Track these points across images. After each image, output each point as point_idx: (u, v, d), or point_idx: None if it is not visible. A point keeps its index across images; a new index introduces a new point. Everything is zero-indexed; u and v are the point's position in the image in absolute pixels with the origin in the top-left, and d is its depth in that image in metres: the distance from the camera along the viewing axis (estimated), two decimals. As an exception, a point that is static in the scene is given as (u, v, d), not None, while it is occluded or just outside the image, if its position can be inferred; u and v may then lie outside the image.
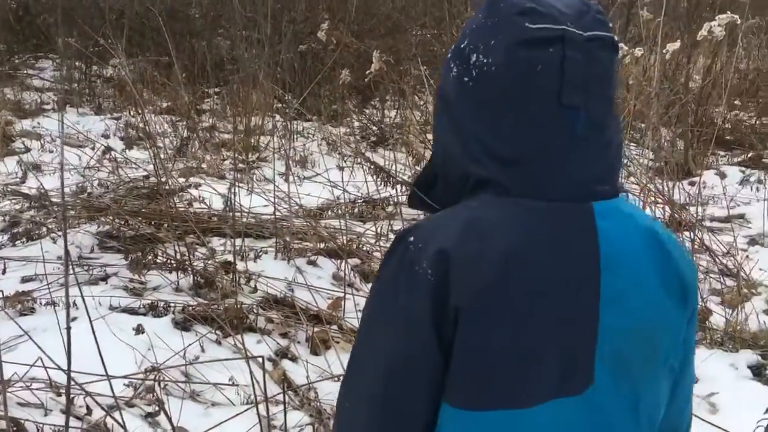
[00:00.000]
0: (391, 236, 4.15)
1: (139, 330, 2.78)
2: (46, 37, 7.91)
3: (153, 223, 3.82)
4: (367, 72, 4.83)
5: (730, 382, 2.88)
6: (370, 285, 3.67)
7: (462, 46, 0.94)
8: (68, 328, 1.63)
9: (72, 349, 2.00)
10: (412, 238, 0.90)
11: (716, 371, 2.92)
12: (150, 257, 3.43)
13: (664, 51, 3.61)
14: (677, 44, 4.10)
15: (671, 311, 0.94)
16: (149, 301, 3.09)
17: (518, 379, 0.87)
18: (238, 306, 3.03)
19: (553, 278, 0.87)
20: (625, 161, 5.18)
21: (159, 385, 2.39)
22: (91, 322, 1.97)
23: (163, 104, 6.80)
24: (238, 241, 3.61)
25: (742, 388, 2.86)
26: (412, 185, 1.00)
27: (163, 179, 4.16)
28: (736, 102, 7.36)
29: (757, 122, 7.02)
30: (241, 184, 4.37)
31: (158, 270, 3.38)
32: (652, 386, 0.94)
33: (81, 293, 2.02)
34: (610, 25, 0.92)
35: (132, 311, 3.04)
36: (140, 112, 5.66)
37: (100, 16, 7.45)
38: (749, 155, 6.12)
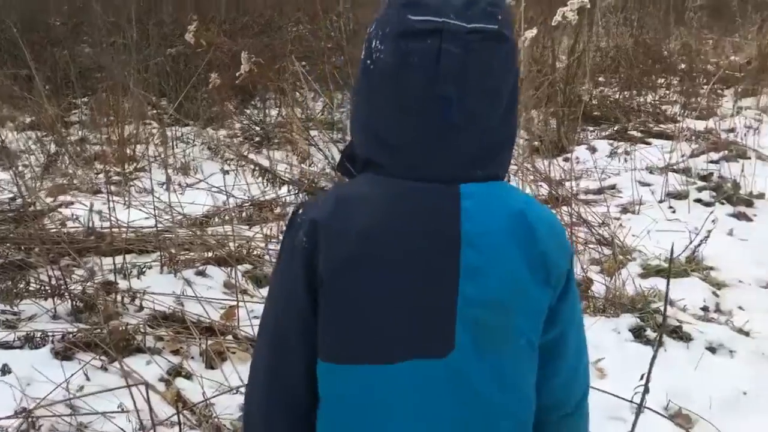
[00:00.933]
0: (282, 237, 4.09)
1: (4, 371, 2.59)
2: None
3: (22, 248, 3.57)
4: (237, 74, 4.72)
5: (614, 346, 3.04)
6: (264, 290, 3.60)
7: (370, 30, 0.98)
8: None
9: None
10: (300, 211, 1.01)
11: (601, 337, 3.07)
12: (22, 285, 3.20)
13: (522, 38, 3.77)
14: (534, 31, 4.28)
15: (531, 289, 0.98)
16: (24, 333, 2.88)
17: (378, 338, 0.95)
18: (124, 327, 2.88)
19: (412, 250, 0.95)
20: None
21: (34, 426, 2.23)
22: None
23: (26, 119, 6.39)
24: (119, 259, 3.44)
25: (625, 351, 3.02)
26: (342, 153, 1.06)
27: (30, 200, 3.90)
28: (600, 79, 7.79)
29: (620, 97, 7.46)
30: (117, 198, 4.16)
31: (32, 298, 3.16)
32: (515, 359, 0.99)
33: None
34: (500, 17, 0.94)
35: (6, 345, 2.82)
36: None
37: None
38: (616, 128, 6.49)
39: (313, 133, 5.77)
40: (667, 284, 1.88)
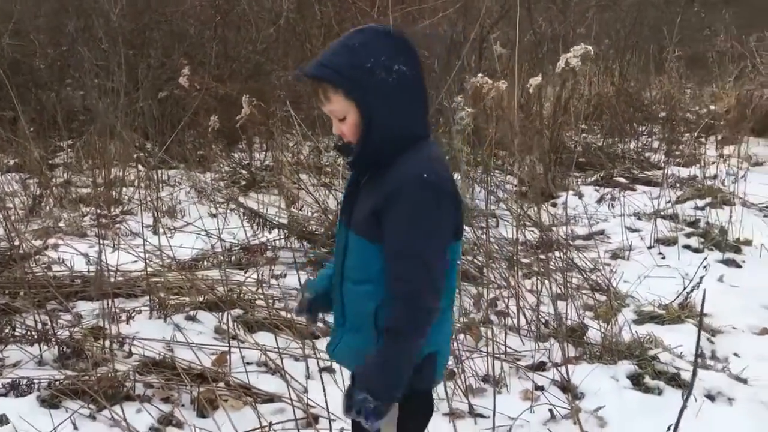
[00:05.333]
0: (273, 282, 4.02)
1: (2, 421, 2.49)
2: None
3: (7, 292, 3.48)
4: (237, 117, 4.72)
5: (614, 394, 2.99)
6: (256, 335, 3.52)
7: (382, 59, 1.56)
8: None
9: None
10: (425, 175, 1.55)
11: (599, 384, 3.03)
12: (7, 330, 3.11)
13: (527, 85, 3.83)
14: (539, 78, 4.36)
15: None
16: (9, 380, 2.79)
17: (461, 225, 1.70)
18: (112, 374, 2.80)
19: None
20: (494, 187, 5.38)
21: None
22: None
23: (10, 162, 6.31)
24: (107, 303, 3.36)
25: (624, 398, 2.98)
26: (337, 143, 1.75)
27: (16, 243, 3.81)
28: (583, 126, 7.90)
29: (604, 143, 7.57)
30: (105, 241, 4.09)
31: (17, 344, 3.07)
32: None
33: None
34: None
35: (-10, 393, 2.73)
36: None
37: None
38: (601, 175, 6.55)
39: (302, 176, 5.76)
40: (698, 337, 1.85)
